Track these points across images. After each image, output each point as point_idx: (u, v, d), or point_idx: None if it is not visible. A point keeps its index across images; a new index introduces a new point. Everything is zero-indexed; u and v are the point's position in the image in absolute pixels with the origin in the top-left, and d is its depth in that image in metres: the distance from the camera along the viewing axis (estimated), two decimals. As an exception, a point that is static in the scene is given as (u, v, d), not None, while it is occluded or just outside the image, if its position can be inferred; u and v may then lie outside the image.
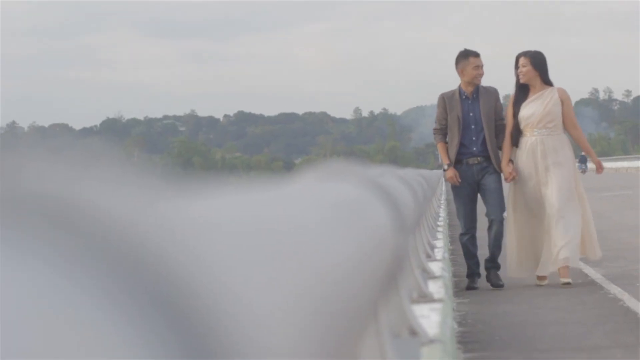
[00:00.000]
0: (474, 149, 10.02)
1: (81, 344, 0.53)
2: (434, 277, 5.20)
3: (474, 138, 10.03)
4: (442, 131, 10.17)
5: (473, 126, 10.03)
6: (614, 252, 11.20)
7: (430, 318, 3.77)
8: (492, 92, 10.13)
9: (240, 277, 0.85)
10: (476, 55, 10.09)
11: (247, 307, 0.81)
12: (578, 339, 6.72)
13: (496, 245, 9.97)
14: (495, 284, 9.78)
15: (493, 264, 9.93)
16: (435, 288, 4.73)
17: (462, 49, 10.25)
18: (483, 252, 10.05)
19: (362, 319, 1.88)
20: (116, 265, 0.60)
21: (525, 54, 9.94)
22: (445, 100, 10.12)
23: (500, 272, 9.90)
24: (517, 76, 9.94)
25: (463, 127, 10.01)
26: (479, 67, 10.04)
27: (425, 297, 4.37)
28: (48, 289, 0.53)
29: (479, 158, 10.02)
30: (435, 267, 5.67)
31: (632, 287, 9.03)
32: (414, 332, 3.33)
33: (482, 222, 10.24)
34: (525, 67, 9.84)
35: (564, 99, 9.85)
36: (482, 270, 10.00)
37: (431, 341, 3.32)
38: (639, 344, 6.42)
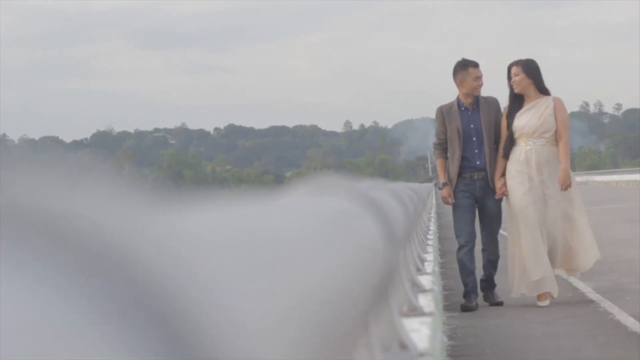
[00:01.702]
0: (478, 162, 9.57)
1: (73, 355, 0.53)
2: (424, 291, 5.20)
3: (476, 151, 9.58)
4: (442, 146, 9.70)
5: (474, 138, 9.57)
6: (604, 266, 11.16)
7: (421, 332, 3.77)
8: (493, 103, 9.69)
9: (232, 291, 0.85)
10: (475, 65, 9.63)
11: (239, 319, 0.81)
12: (569, 352, 6.71)
13: (492, 266, 9.60)
14: (494, 302, 9.44)
15: (489, 283, 9.58)
16: (426, 301, 4.73)
17: (459, 58, 9.75)
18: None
19: (353, 332, 1.88)
20: (108, 279, 0.59)
21: (517, 62, 9.53)
22: (443, 113, 9.65)
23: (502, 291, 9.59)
24: (511, 87, 9.52)
25: (464, 140, 9.55)
26: (479, 77, 9.58)
27: (415, 311, 4.37)
28: (39, 301, 0.53)
29: (482, 173, 9.56)
30: (426, 280, 5.68)
31: (622, 300, 9.03)
32: (404, 345, 3.33)
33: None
34: (518, 75, 9.43)
35: (558, 109, 9.45)
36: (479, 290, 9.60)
37: (421, 355, 3.32)
38: (630, 358, 6.43)
